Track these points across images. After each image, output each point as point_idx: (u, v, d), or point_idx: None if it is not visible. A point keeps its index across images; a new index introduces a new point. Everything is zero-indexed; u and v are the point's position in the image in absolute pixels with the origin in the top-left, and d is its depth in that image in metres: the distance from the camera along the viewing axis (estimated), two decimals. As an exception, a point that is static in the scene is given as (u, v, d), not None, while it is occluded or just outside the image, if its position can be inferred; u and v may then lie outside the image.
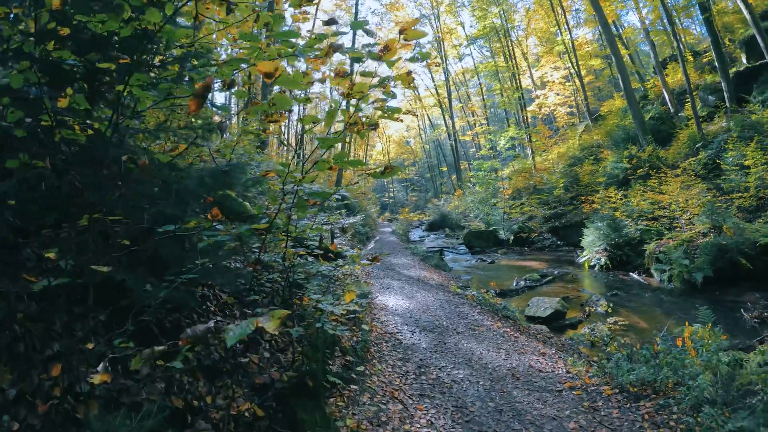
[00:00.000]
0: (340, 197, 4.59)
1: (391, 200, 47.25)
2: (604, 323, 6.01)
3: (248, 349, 2.73)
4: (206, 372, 2.37)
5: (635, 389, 3.57)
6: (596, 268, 10.49)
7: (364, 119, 2.06)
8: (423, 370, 4.14)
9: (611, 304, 6.77)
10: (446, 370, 4.16)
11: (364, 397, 2.97)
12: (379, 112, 2.04)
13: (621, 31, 22.63)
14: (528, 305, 7.38)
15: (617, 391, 3.61)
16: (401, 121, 2.18)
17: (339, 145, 2.21)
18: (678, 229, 9.46)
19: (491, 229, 17.23)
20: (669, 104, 16.63)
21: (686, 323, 4.55)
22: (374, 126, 2.05)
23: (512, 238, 16.10)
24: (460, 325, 5.76)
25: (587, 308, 6.77)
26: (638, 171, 12.93)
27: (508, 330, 5.63)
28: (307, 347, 2.91)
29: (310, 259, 4.35)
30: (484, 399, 3.56)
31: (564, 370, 4.22)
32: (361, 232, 15.72)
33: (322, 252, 4.46)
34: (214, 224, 2.11)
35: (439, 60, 28.92)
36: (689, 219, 9.38)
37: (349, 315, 4.35)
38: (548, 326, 6.39)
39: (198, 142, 2.92)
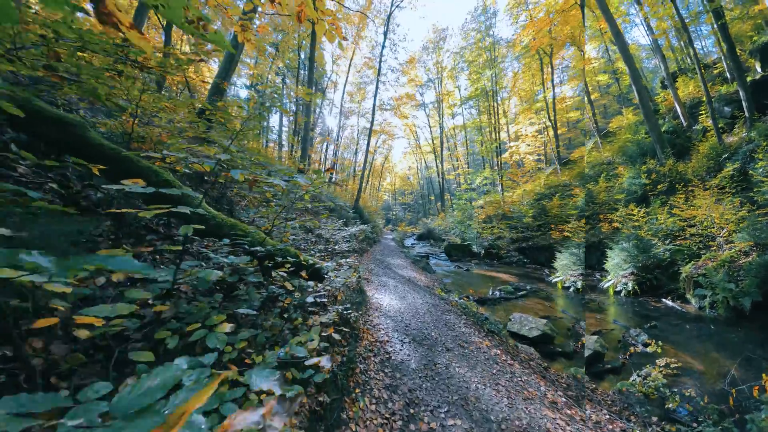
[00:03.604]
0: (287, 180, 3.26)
1: (393, 216, 60.01)
2: (652, 365, 4.97)
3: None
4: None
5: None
6: (622, 294, 9.45)
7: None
8: (413, 412, 3.43)
9: (659, 342, 5.67)
10: (439, 416, 3.42)
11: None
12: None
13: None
14: (510, 320, 7.39)
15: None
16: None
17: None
18: (714, 248, 8.48)
19: (467, 243, 20.42)
20: (681, 117, 15.95)
21: (770, 371, 3.57)
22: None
23: (483, 252, 18.79)
24: (449, 338, 5.54)
25: (631, 348, 5.65)
26: (659, 186, 12.09)
27: (499, 352, 5.35)
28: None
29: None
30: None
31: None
32: (370, 237, 18.77)
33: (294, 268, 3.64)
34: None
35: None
36: (727, 237, 8.42)
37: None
38: (536, 349, 6.15)
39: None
